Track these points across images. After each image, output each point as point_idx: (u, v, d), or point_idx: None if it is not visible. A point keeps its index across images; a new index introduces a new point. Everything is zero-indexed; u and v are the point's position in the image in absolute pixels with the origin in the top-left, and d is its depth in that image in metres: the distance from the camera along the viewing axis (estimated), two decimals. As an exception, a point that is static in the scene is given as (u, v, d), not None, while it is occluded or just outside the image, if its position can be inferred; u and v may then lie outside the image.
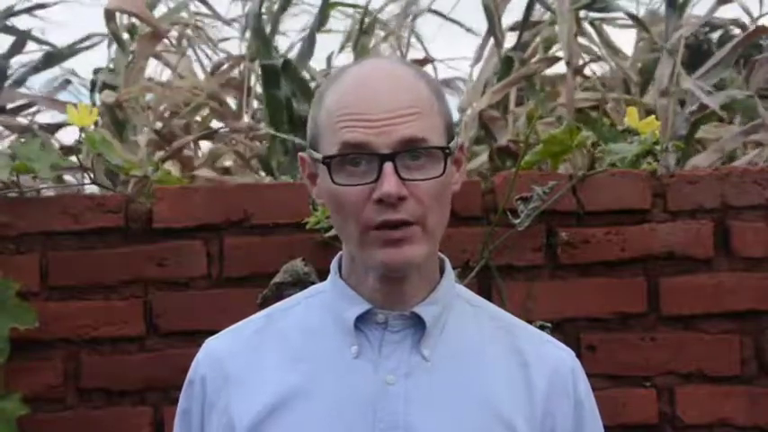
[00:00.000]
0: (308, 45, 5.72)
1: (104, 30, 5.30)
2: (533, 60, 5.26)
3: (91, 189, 2.71)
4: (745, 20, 5.69)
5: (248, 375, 1.42)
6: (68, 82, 5.93)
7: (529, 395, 1.40)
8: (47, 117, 5.72)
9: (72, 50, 5.71)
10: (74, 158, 2.58)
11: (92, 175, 2.41)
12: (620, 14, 5.28)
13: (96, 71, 5.36)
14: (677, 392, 2.25)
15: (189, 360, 1.50)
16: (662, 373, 2.26)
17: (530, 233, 2.26)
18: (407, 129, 1.33)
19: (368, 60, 1.52)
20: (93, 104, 4.73)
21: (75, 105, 2.38)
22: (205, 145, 5.30)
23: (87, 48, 5.67)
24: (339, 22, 6.23)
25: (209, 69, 5.84)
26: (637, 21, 5.19)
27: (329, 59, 6.27)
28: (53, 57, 5.70)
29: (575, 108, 4.48)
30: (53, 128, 5.17)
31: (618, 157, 2.32)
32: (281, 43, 6.28)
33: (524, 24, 5.31)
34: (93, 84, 5.28)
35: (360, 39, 5.78)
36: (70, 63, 5.93)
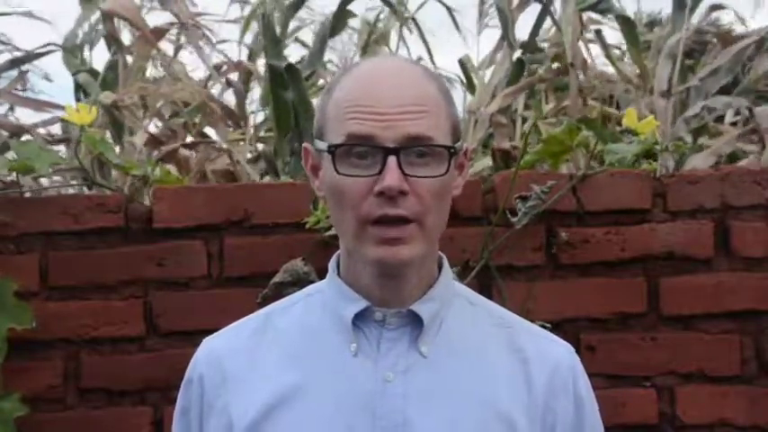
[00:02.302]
0: (318, 50, 5.73)
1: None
2: (542, 69, 5.27)
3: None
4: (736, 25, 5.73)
5: (247, 374, 1.42)
6: (24, 73, 5.93)
7: (529, 391, 1.40)
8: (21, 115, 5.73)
9: (36, 54, 5.74)
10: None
11: (91, 176, 2.42)
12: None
13: (77, 72, 5.37)
14: (677, 392, 2.25)
15: (189, 360, 1.50)
16: (662, 373, 2.26)
17: (530, 233, 2.26)
18: (414, 126, 1.33)
19: (379, 57, 1.53)
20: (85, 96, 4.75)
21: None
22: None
23: (50, 52, 5.70)
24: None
25: (207, 71, 5.84)
26: (627, 26, 5.18)
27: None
28: (17, 60, 5.73)
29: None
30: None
31: (617, 157, 2.32)
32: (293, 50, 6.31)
33: (535, 30, 5.32)
34: (78, 84, 5.29)
35: (368, 47, 5.81)
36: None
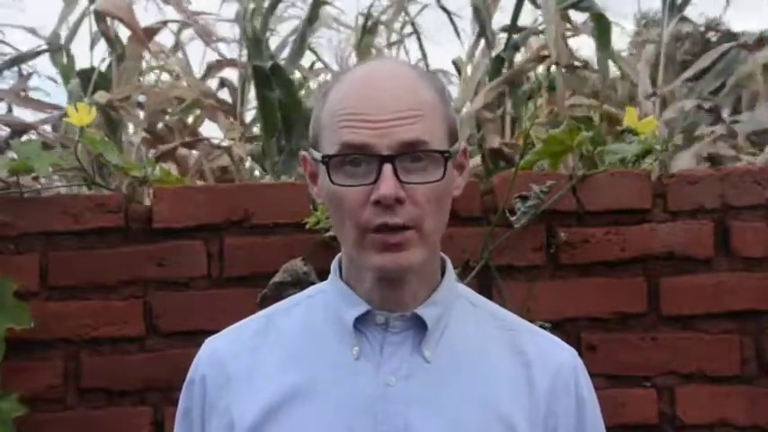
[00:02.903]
0: (299, 45, 5.72)
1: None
2: (523, 60, 5.27)
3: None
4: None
5: (249, 376, 1.42)
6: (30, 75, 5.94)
7: (531, 395, 1.40)
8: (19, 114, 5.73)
9: (34, 53, 5.74)
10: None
11: (90, 176, 2.42)
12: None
13: (80, 72, 5.37)
14: (677, 392, 2.25)
15: (189, 360, 1.50)
16: (662, 373, 2.26)
17: (530, 233, 2.26)
18: (408, 131, 1.32)
19: (372, 61, 1.52)
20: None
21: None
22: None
23: (47, 50, 5.69)
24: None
25: (203, 69, 5.85)
26: (601, 24, 5.16)
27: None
28: (16, 59, 5.74)
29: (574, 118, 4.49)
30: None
31: (617, 157, 2.31)
32: (273, 43, 6.29)
33: (513, 24, 5.32)
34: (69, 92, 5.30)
35: (363, 39, 5.80)
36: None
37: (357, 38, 6.02)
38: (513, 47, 5.32)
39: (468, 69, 5.75)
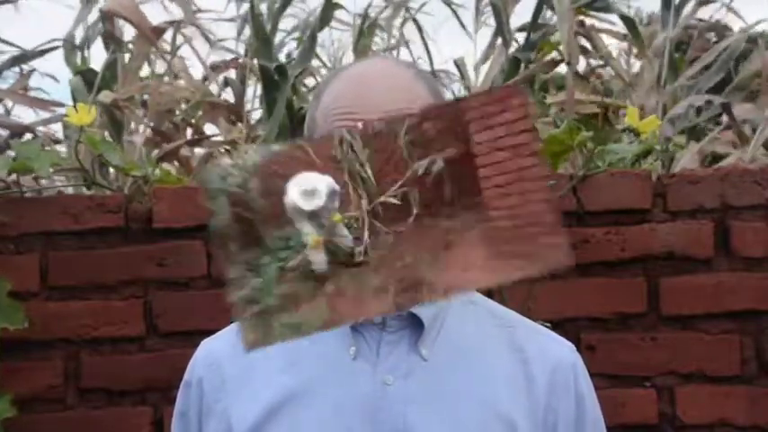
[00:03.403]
0: (309, 46, 5.70)
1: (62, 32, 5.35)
2: (536, 63, 5.25)
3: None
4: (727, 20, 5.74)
5: (246, 378, 1.42)
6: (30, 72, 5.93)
7: (529, 392, 1.40)
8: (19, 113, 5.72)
9: (37, 52, 5.73)
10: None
11: (91, 176, 2.42)
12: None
13: (78, 71, 5.37)
14: (677, 392, 2.25)
15: (189, 360, 1.49)
16: (662, 373, 2.26)
17: (530, 233, 2.26)
18: None
19: (367, 59, 1.52)
20: (75, 101, 4.76)
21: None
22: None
23: (52, 49, 5.69)
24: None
25: (204, 69, 5.84)
26: (629, 24, 5.17)
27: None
28: (18, 58, 5.72)
29: (577, 114, 4.48)
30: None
31: (618, 157, 2.31)
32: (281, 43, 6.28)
33: (533, 25, 5.30)
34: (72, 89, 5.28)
35: (360, 40, 5.78)
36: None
37: (354, 39, 6.00)
38: (530, 47, 5.30)
39: (477, 69, 5.73)
